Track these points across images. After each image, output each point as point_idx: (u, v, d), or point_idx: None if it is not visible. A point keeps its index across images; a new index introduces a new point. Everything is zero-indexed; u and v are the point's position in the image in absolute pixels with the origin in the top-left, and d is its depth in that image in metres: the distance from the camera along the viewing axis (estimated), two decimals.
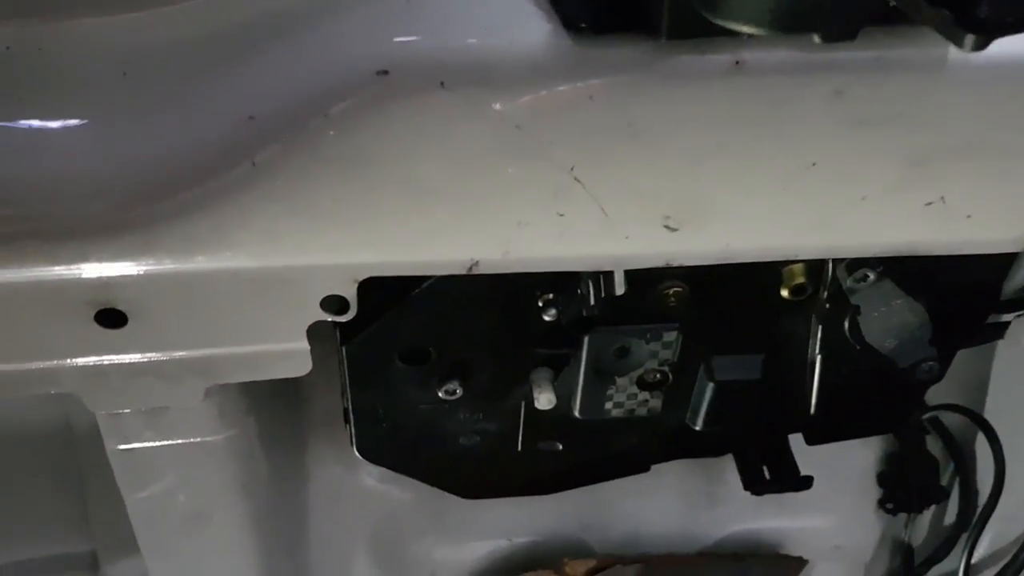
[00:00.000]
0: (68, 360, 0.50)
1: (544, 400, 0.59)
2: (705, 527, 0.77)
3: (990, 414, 0.73)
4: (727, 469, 0.77)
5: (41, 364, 0.50)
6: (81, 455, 0.77)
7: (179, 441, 0.57)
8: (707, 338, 0.59)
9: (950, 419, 0.78)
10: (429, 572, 0.75)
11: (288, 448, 0.68)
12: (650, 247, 0.49)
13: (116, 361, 0.51)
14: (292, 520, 0.71)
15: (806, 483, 0.68)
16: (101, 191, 0.43)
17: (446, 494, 0.74)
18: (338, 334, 0.56)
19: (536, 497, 0.73)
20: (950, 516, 0.81)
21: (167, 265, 0.46)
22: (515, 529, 0.75)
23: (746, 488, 0.69)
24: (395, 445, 0.63)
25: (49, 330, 0.48)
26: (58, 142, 0.45)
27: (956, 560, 0.81)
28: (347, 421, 0.63)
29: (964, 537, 0.79)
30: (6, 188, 0.43)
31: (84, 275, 0.46)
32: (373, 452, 0.64)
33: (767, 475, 0.69)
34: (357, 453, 0.64)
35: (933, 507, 0.81)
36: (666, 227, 0.48)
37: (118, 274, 0.46)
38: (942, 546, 0.81)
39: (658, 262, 0.50)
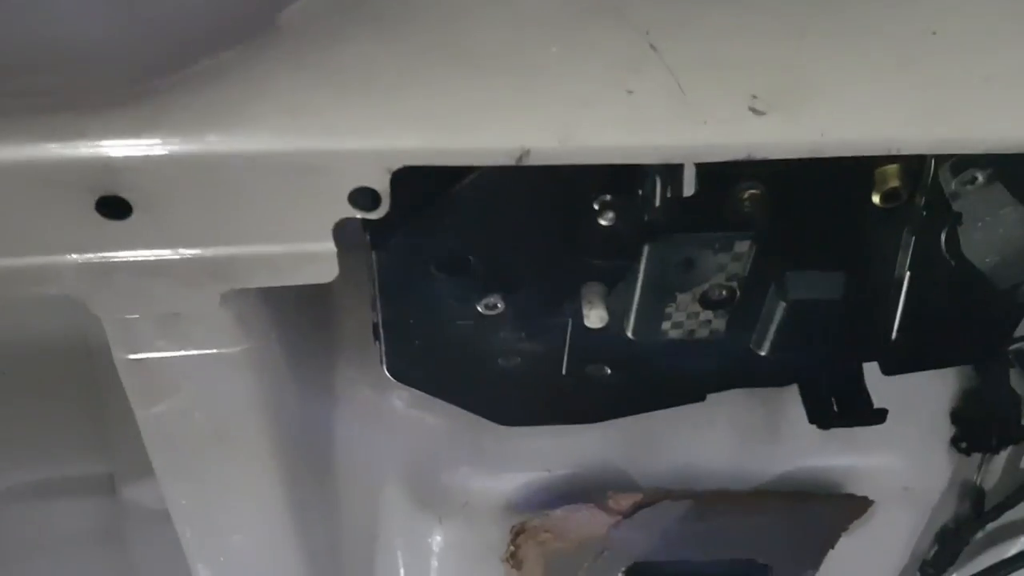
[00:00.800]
0: (69, 255, 0.45)
1: (595, 317, 0.53)
2: (761, 463, 0.71)
3: None
4: (788, 400, 0.71)
5: (39, 259, 0.45)
6: (99, 372, 0.73)
7: (194, 352, 0.52)
8: (783, 251, 0.52)
9: None
10: (463, 502, 0.70)
11: (316, 367, 0.63)
12: (731, 135, 0.42)
13: (122, 258, 0.45)
14: (319, 444, 0.66)
15: (879, 417, 0.62)
16: (102, 58, 0.37)
17: (482, 421, 0.69)
18: (368, 237, 0.50)
19: (579, 427, 0.68)
20: None
21: (175, 145, 0.40)
22: (555, 460, 0.70)
23: (812, 421, 0.63)
24: (428, 365, 0.58)
25: (46, 219, 0.43)
26: (54, 2, 0.40)
27: None
28: (377, 338, 0.58)
29: None
30: None
31: (82, 154, 0.40)
32: (404, 372, 0.58)
33: (835, 408, 0.62)
34: (387, 372, 0.58)
35: (1009, 448, 0.75)
36: (752, 110, 0.41)
37: (120, 154, 0.40)
38: (1018, 491, 0.75)
39: (738, 154, 0.43)
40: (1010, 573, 0.76)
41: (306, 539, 0.68)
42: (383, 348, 0.57)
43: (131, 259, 0.45)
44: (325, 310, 0.63)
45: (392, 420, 0.69)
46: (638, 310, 0.54)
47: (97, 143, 0.40)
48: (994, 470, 0.76)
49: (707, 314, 0.55)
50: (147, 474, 0.78)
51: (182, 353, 0.52)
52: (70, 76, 0.39)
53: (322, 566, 0.71)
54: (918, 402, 0.72)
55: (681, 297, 0.53)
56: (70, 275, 0.46)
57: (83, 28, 0.39)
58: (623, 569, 0.70)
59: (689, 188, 0.46)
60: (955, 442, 0.73)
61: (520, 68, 0.40)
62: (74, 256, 0.45)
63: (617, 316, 0.55)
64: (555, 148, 0.42)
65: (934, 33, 0.38)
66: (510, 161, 0.43)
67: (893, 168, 0.49)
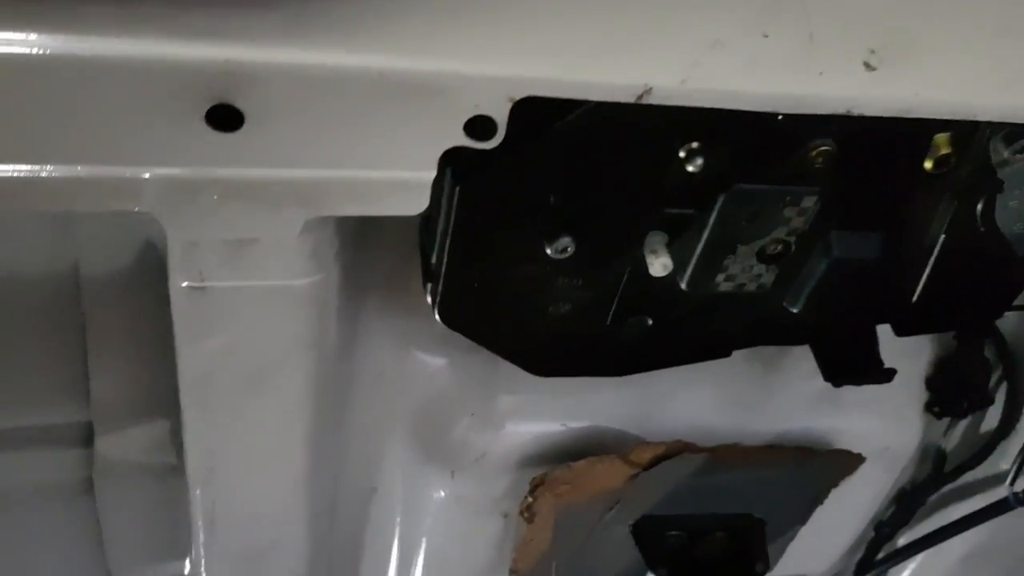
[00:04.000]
0: (158, 168, 0.42)
1: (659, 266, 0.55)
2: (759, 423, 0.74)
3: None
4: (786, 363, 0.75)
5: (123, 170, 0.42)
6: (88, 311, 0.69)
7: (259, 283, 0.50)
8: (836, 209, 0.55)
9: (1002, 322, 0.77)
10: (478, 455, 0.70)
11: (351, 309, 0.61)
12: (840, 88, 0.44)
13: (214, 176, 0.43)
14: (341, 391, 0.64)
15: (888, 375, 0.65)
16: None
17: (498, 374, 0.69)
18: (450, 172, 0.49)
19: (594, 384, 0.69)
20: (988, 423, 0.81)
21: (309, 53, 0.38)
22: (570, 415, 0.71)
23: (826, 378, 0.66)
24: (480, 310, 0.57)
25: (146, 126, 0.40)
26: None
27: (989, 468, 0.82)
28: (429, 280, 0.57)
29: (1002, 444, 0.79)
30: None
31: (209, 55, 0.38)
32: (454, 316, 0.57)
33: (848, 367, 0.66)
34: (437, 317, 0.57)
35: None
36: (865, 64, 0.43)
37: (250, 59, 0.38)
38: (979, 452, 0.81)
39: (839, 108, 0.45)
40: (961, 531, 0.82)
41: (315, 491, 0.66)
42: (439, 290, 0.56)
43: (224, 177, 0.43)
44: (364, 248, 0.61)
45: (409, 370, 0.68)
46: (698, 261, 0.55)
47: (228, 44, 0.38)
48: (956, 433, 0.82)
49: (760, 268, 0.57)
50: (128, 423, 0.74)
51: (246, 283, 0.50)
52: None
53: (321, 520, 0.70)
54: (899, 368, 0.76)
55: (741, 249, 0.55)
56: (155, 191, 0.43)
57: None
58: (630, 523, 0.71)
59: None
60: (929, 407, 0.79)
61: (661, 5, 0.40)
62: (163, 169, 0.43)
63: (673, 268, 0.56)
64: (675, 88, 0.43)
65: None
66: (629, 98, 0.43)
67: (945, 136, 0.53)
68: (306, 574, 0.72)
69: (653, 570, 0.70)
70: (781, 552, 0.79)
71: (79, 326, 0.70)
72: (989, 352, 0.78)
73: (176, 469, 0.76)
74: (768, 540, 0.75)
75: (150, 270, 0.69)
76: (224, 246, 0.48)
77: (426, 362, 0.68)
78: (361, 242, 0.59)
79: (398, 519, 0.76)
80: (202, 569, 0.72)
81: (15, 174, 0.41)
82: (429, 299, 0.58)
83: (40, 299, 0.69)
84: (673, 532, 0.72)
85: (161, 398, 0.73)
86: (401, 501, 0.75)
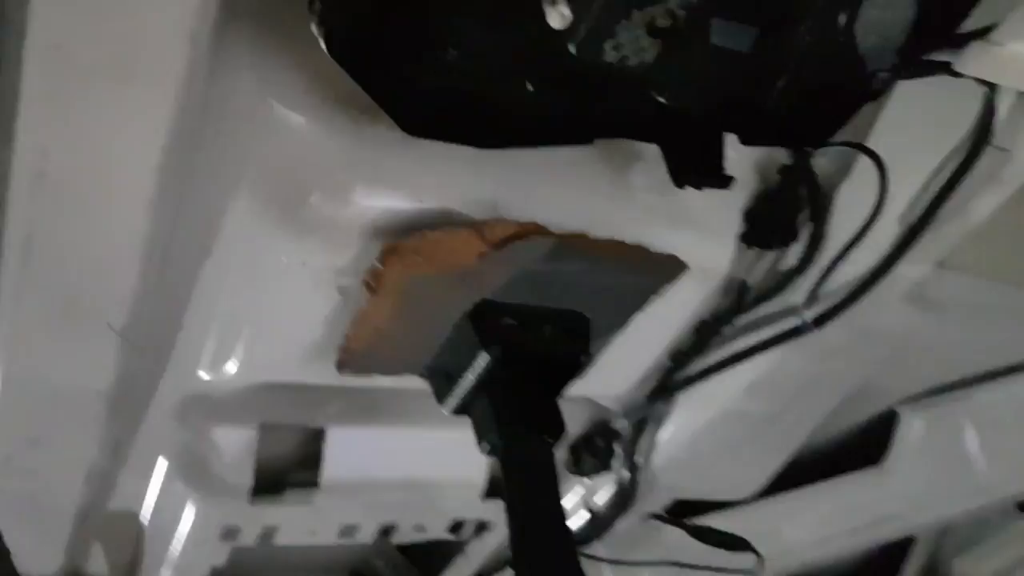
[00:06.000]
0: None
1: (557, 16, 0.55)
2: (600, 227, 0.76)
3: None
4: (632, 172, 0.78)
5: None
6: None
7: None
8: None
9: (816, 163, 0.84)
10: (326, 221, 0.68)
11: (224, 21, 0.56)
12: None
13: None
14: (199, 116, 0.59)
15: (726, 180, 0.70)
16: None
17: (359, 142, 0.67)
18: None
19: (454, 166, 0.69)
20: (789, 259, 0.89)
21: None
22: (427, 193, 0.70)
23: (672, 177, 0.69)
24: (370, 43, 0.55)
25: None
26: None
27: (783, 301, 0.90)
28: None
29: (798, 280, 0.88)
30: None
31: None
32: (345, 49, 0.55)
33: (693, 168, 0.70)
34: (323, 44, 0.55)
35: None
36: None
37: None
38: (776, 285, 0.89)
39: None
40: (755, 354, 0.91)
41: (153, 228, 0.62)
42: (328, 18, 0.53)
43: None
44: None
45: (265, 122, 0.64)
46: (593, 19, 0.56)
47: None
48: (758, 268, 0.90)
49: (646, 41, 0.58)
50: None
51: None
52: None
53: (151, 267, 0.65)
54: (722, 197, 0.81)
55: (635, 15, 0.57)
56: None
57: None
58: (469, 308, 0.72)
59: None
60: (744, 237, 0.85)
61: None
62: None
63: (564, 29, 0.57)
64: None
65: None
66: None
67: None
68: (124, 330, 0.67)
69: (486, 348, 0.71)
70: (598, 354, 0.84)
71: None
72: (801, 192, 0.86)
73: None
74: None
75: None
76: None
77: (285, 116, 0.64)
78: None
79: (228, 286, 0.72)
80: (5, 319, 0.65)
81: None
82: (315, 26, 0.55)
83: None
84: (508, 320, 0.74)
85: None
86: (235, 267, 0.71)
